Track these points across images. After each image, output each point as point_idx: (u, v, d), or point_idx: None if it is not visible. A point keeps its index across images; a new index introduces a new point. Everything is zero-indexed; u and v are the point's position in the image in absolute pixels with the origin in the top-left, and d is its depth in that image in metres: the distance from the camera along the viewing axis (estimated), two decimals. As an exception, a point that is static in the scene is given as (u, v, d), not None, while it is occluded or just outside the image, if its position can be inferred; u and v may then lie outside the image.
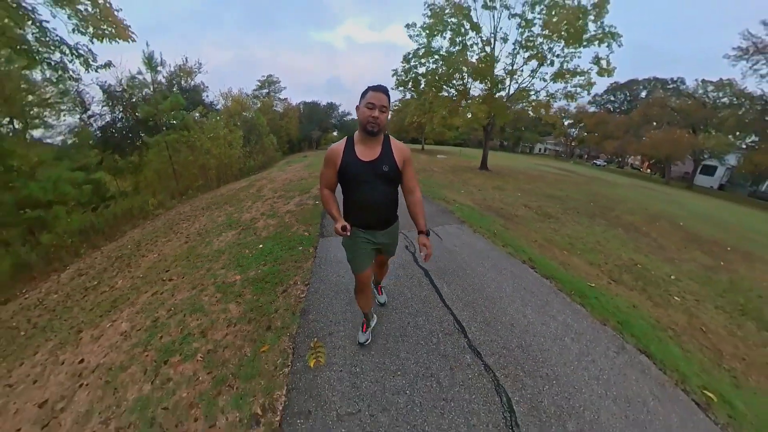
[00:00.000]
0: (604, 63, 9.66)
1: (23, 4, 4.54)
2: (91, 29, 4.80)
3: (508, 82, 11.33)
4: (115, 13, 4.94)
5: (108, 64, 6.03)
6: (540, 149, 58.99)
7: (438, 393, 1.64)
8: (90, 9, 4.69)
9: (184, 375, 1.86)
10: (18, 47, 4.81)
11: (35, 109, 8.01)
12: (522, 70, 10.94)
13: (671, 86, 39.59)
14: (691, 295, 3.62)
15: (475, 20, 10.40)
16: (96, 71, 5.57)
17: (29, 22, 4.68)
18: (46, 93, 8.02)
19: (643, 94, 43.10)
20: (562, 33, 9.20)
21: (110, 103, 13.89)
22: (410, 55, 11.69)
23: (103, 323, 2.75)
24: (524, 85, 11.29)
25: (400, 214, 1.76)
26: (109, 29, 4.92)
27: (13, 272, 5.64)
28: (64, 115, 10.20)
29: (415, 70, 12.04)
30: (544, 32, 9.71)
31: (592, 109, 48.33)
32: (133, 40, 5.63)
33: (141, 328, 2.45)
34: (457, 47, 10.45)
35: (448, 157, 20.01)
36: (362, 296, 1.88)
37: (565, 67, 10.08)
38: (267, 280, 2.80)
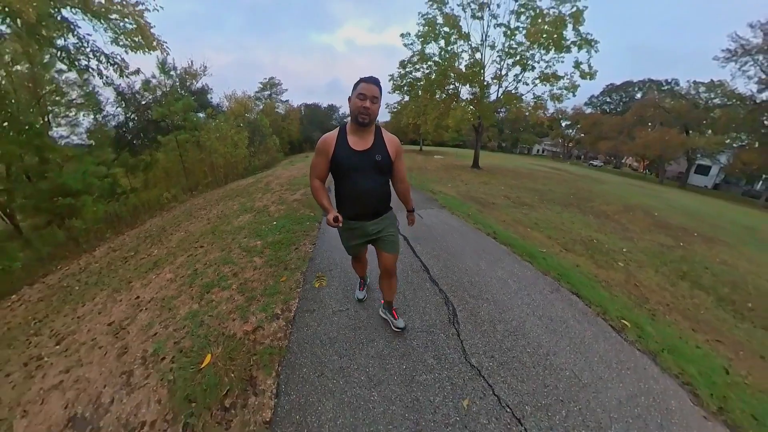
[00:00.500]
0: (585, 67, 10.44)
1: (66, 17, 5.31)
2: (129, 41, 5.57)
3: (495, 87, 12.16)
4: (151, 31, 5.70)
5: (137, 71, 6.82)
6: (538, 150, 59.64)
7: (403, 302, 2.36)
8: (129, 26, 5.47)
9: (223, 297, 2.59)
10: (60, 54, 5.58)
11: (61, 109, 8.76)
12: (507, 76, 11.80)
13: (666, 87, 40.33)
14: (637, 263, 4.29)
15: (464, 30, 11.26)
16: (127, 77, 6.34)
17: (70, 34, 5.44)
18: (72, 95, 8.81)
19: (639, 95, 43.88)
20: (542, 41, 9.94)
21: (123, 105, 14.73)
22: (406, 61, 12.55)
23: (149, 275, 3.48)
24: (510, 89, 12.10)
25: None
26: (145, 42, 5.68)
27: (48, 250, 6.38)
28: (84, 116, 11.01)
29: (410, 76, 12.86)
30: (528, 39, 10.48)
31: (588, 110, 49.24)
32: (167, 53, 6.41)
33: (183, 275, 3.18)
34: (447, 55, 11.27)
35: (444, 158, 20.71)
36: (357, 264, 2.17)
37: (548, 71, 10.83)
38: (282, 243, 3.54)
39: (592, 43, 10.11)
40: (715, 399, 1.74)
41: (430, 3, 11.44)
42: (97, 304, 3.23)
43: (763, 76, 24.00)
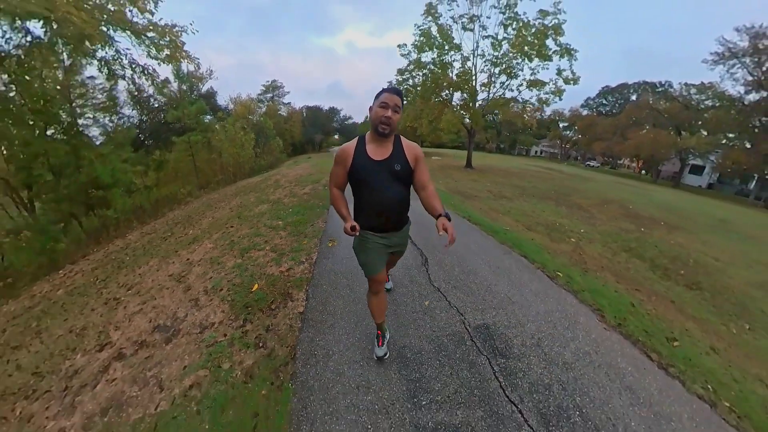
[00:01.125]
0: (567, 73, 11.43)
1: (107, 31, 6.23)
2: (163, 55, 6.52)
3: (483, 94, 13.19)
4: (185, 49, 6.68)
5: (166, 81, 7.78)
6: (536, 152, 60.37)
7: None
8: (166, 43, 6.41)
9: (260, 255, 3.49)
10: (100, 64, 6.53)
11: (85, 110, 9.70)
12: (495, 83, 12.84)
13: (660, 89, 41.23)
14: (588, 240, 5.15)
15: (456, 41, 12.32)
16: (158, 86, 7.29)
17: (109, 47, 6.37)
18: (97, 99, 9.76)
19: (634, 97, 44.80)
20: (527, 50, 10.93)
21: (138, 108, 15.72)
22: (404, 69, 13.62)
23: (192, 246, 4.37)
24: (497, 95, 13.16)
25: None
26: (178, 55, 6.63)
27: (83, 236, 7.29)
28: (102, 117, 11.96)
29: (407, 83, 13.94)
30: (511, 51, 11.54)
31: (585, 112, 50.25)
32: (198, 66, 7.35)
33: (223, 245, 4.07)
34: (439, 64, 12.31)
35: (442, 159, 21.64)
36: (376, 300, 1.82)
37: (533, 77, 11.81)
38: (299, 222, 4.46)
39: (572, 52, 11.12)
40: (616, 319, 2.48)
41: (425, 15, 12.49)
42: (152, 267, 4.11)
43: (750, 78, 24.83)
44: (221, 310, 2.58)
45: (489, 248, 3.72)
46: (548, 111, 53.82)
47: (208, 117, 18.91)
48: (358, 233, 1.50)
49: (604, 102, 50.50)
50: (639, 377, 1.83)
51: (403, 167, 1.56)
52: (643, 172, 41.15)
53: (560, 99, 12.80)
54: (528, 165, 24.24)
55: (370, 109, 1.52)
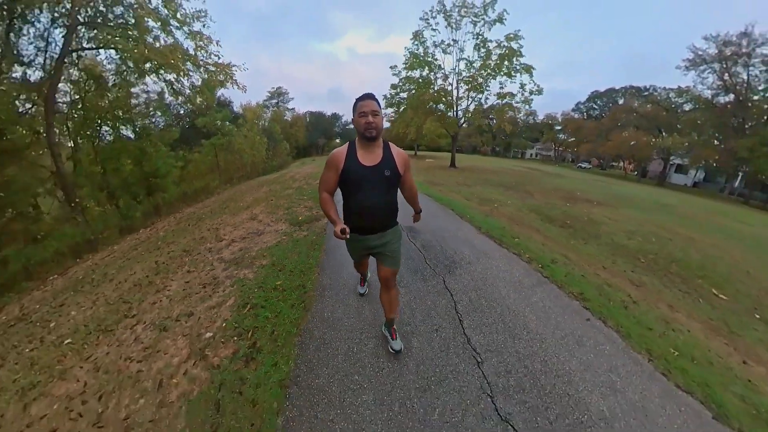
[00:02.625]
0: (530, 87, 14.05)
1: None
2: (216, 82, 8.95)
3: (463, 104, 15.91)
4: (235, 78, 9.16)
5: (212, 98, 10.22)
6: (531, 154, 61.71)
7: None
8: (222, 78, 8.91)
9: (297, 209, 5.84)
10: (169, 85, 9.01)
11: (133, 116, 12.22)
12: (468, 98, 15.52)
13: (646, 93, 43.42)
14: (506, 205, 7.36)
15: (439, 62, 15.06)
16: (204, 104, 9.69)
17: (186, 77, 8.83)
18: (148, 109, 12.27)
19: (621, 101, 46.99)
20: (492, 70, 13.49)
21: (170, 115, 18.28)
22: (397, 85, 16.35)
23: (248, 209, 6.73)
24: (470, 108, 15.91)
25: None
26: (229, 83, 9.08)
27: (142, 217, 9.72)
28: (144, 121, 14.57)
29: (399, 96, 16.69)
30: (480, 71, 14.15)
31: (577, 116, 52.50)
32: (244, 91, 9.74)
33: (270, 209, 6.43)
34: (423, 81, 14.97)
35: (434, 161, 24.03)
36: (360, 267, 2.35)
37: (502, 91, 14.43)
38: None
39: (531, 70, 13.65)
40: (493, 235, 4.88)
41: (414, 39, 15.32)
42: (223, 221, 6.46)
43: (719, 83, 27.04)
44: (284, 224, 4.96)
45: (432, 208, 6.08)
46: (541, 115, 56.63)
47: (224, 122, 21.40)
48: (348, 236, 1.54)
49: (594, 106, 52.74)
50: (489, 250, 4.14)
51: (392, 173, 1.65)
52: (636, 173, 42.61)
53: (530, 107, 15.17)
54: (513, 166, 26.46)
55: (353, 121, 1.60)
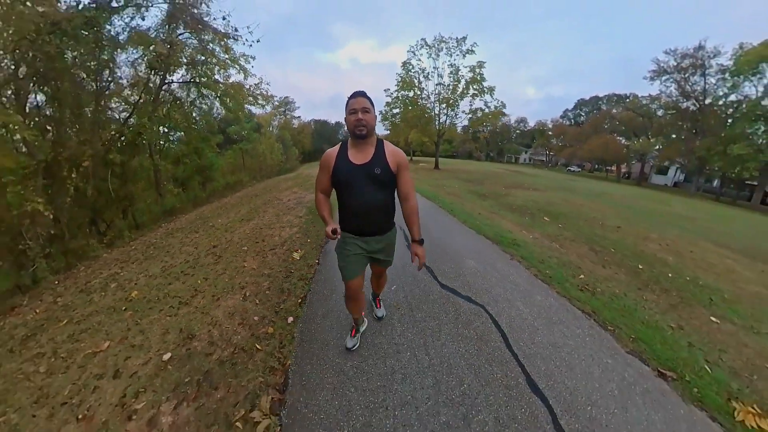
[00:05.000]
0: (492, 104, 17.91)
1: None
2: (259, 105, 12.45)
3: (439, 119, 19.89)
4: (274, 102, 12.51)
5: (253, 117, 13.64)
6: (524, 159, 65.18)
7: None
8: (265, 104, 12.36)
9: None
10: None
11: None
12: (443, 113, 19.40)
13: (627, 100, 46.73)
14: (453, 187, 10.77)
15: (423, 86, 19.28)
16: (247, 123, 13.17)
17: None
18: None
19: (605, 107, 50.23)
20: (461, 91, 17.27)
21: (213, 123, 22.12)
22: (390, 102, 20.56)
23: (285, 192, 10.18)
24: (446, 121, 19.89)
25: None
26: (268, 106, 12.55)
27: (206, 196, 13.23)
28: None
29: (391, 112, 20.90)
30: (452, 93, 17.97)
31: (566, 122, 55.94)
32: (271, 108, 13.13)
33: (303, 189, 9.87)
34: (409, 101, 18.93)
35: (427, 165, 27.48)
36: (352, 302, 1.93)
37: (471, 108, 18.47)
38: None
39: (492, 91, 17.62)
40: (435, 203, 8.26)
41: (403, 66, 19.52)
42: (274, 196, 9.91)
43: (679, 90, 30.46)
44: (304, 212, 8.38)
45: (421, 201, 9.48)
46: (531, 123, 60.16)
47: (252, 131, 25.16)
48: (339, 236, 1.53)
49: (581, 113, 56.17)
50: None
51: (383, 171, 1.59)
52: (627, 176, 44.69)
53: (500, 120, 18.87)
54: (495, 168, 29.68)
55: (345, 119, 1.58)
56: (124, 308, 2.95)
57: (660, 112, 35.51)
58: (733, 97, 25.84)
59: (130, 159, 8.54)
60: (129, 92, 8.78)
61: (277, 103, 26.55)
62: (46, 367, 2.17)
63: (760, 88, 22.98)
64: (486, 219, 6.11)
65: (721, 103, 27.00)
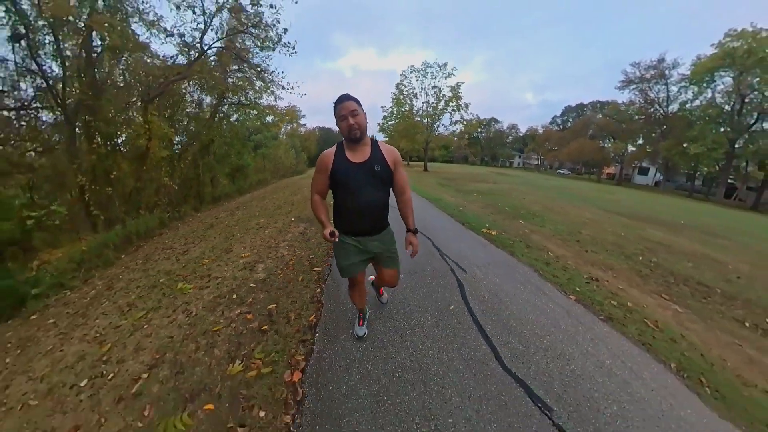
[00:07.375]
0: (468, 117, 22.13)
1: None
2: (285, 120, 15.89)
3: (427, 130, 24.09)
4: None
5: (272, 128, 17.38)
6: (517, 163, 67.22)
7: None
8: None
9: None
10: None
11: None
12: (429, 125, 23.51)
13: (609, 106, 50.15)
14: (432, 182, 14.35)
15: (412, 102, 23.41)
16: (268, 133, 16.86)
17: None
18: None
19: (589, 113, 53.66)
20: (441, 108, 21.39)
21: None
22: (386, 116, 24.78)
23: (304, 188, 13.83)
24: (435, 133, 24.11)
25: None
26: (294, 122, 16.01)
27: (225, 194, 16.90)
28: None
29: (388, 124, 25.12)
30: (434, 110, 21.97)
31: (555, 128, 59.40)
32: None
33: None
34: (401, 116, 23.03)
35: (419, 168, 31.04)
36: (354, 292, 1.99)
37: (451, 121, 22.65)
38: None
39: (467, 106, 22.01)
40: (421, 192, 11.84)
41: (396, 88, 24.02)
42: (295, 189, 13.54)
43: (643, 98, 34.14)
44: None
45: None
46: (523, 129, 63.75)
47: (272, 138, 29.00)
48: (336, 239, 1.54)
49: (569, 119, 59.75)
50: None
51: (383, 168, 1.63)
52: (614, 178, 46.28)
53: (479, 130, 23.00)
54: (481, 170, 32.65)
55: (337, 125, 1.60)
56: (235, 225, 6.56)
57: (636, 117, 38.97)
58: (697, 102, 28.64)
59: (204, 157, 12.55)
60: (196, 110, 12.82)
61: (284, 110, 30.35)
62: (231, 234, 5.81)
63: (717, 95, 26.15)
64: (434, 194, 9.72)
65: (687, 107, 29.73)
